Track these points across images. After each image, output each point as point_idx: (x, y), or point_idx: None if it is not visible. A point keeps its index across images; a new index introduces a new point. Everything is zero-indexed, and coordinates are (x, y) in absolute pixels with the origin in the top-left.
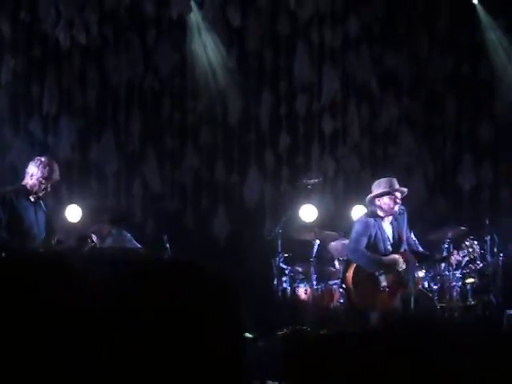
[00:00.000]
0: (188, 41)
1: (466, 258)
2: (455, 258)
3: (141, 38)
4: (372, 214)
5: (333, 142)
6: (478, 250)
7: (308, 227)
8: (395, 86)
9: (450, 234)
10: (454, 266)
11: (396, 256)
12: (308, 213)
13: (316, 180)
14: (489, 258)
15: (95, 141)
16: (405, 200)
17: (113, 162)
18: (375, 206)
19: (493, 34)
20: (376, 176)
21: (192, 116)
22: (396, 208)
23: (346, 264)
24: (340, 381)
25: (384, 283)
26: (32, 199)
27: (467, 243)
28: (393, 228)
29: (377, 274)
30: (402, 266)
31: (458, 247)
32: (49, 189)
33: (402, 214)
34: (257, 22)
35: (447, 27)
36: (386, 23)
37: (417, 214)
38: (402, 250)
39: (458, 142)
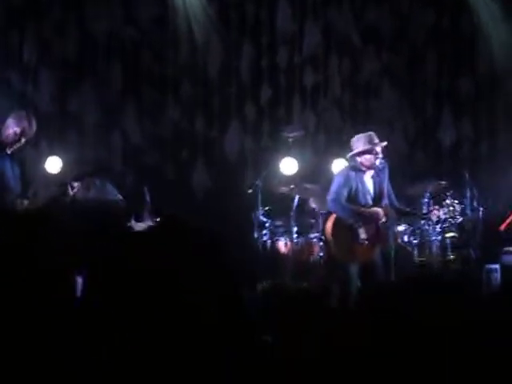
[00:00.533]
0: None
1: (446, 216)
2: (435, 214)
3: None
4: (353, 168)
5: (314, 96)
6: (459, 209)
7: (288, 180)
8: (377, 40)
9: (429, 189)
10: (434, 222)
11: (377, 209)
12: (288, 166)
13: (297, 133)
14: (469, 212)
15: (75, 92)
16: (386, 154)
17: (92, 113)
18: (356, 161)
19: None
20: (357, 130)
21: (172, 68)
22: (377, 162)
23: (326, 216)
24: (319, 335)
25: (363, 235)
26: (8, 152)
27: (448, 201)
28: (374, 182)
29: (356, 226)
30: (383, 218)
31: (439, 204)
32: (23, 142)
33: (384, 168)
34: None
35: None
36: None
37: (397, 168)
38: (382, 204)
39: (438, 97)
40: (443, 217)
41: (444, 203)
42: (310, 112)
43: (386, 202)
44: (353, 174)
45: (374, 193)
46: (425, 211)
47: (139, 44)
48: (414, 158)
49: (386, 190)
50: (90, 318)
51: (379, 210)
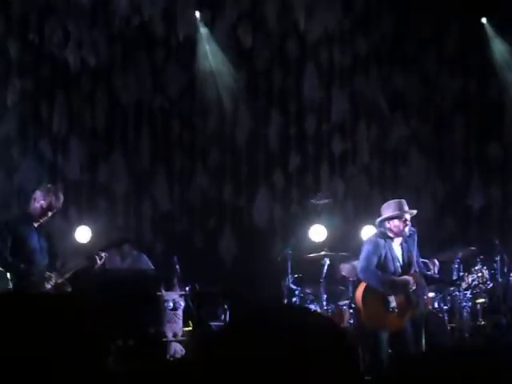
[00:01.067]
0: (197, 61)
1: (475, 282)
2: (465, 280)
3: (150, 59)
4: (382, 235)
5: (342, 163)
6: (487, 275)
7: (318, 248)
8: (404, 107)
9: (459, 255)
10: (464, 289)
11: (407, 277)
12: (317, 233)
13: (325, 200)
14: (499, 278)
15: (104, 161)
16: (414, 221)
17: (122, 182)
18: (385, 227)
19: (501, 54)
20: (385, 197)
21: (201, 136)
22: (406, 230)
23: (356, 283)
24: None
25: (393, 304)
26: (35, 225)
27: (477, 267)
28: (402, 249)
29: (386, 294)
30: (413, 286)
31: (468, 270)
32: (50, 215)
33: (413, 235)
34: (266, 42)
35: (456, 46)
36: (395, 43)
37: (426, 235)
38: (412, 271)
39: (467, 163)
40: (472, 283)
41: (473, 269)
42: (338, 179)
43: (415, 269)
44: (382, 241)
45: (403, 260)
46: (455, 277)
47: (168, 112)
48: (443, 224)
49: (415, 258)
50: None
51: (409, 277)
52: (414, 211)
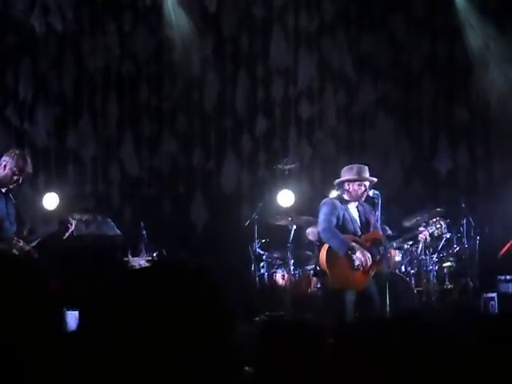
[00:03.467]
0: (164, 25)
1: (435, 233)
2: (423, 234)
3: (117, 23)
4: (338, 198)
5: (309, 127)
6: (445, 225)
7: (285, 212)
8: (372, 70)
9: (426, 218)
10: (422, 244)
11: (368, 234)
12: (285, 198)
13: (293, 165)
14: (465, 241)
15: (72, 127)
16: (381, 184)
17: (90, 147)
18: (343, 189)
19: (469, 17)
20: (353, 161)
21: (169, 101)
22: (364, 196)
23: (319, 247)
24: (313, 368)
25: (357, 261)
26: (3, 191)
27: (434, 220)
28: (359, 212)
29: (350, 252)
30: (375, 244)
31: (426, 224)
32: (20, 181)
33: (377, 198)
34: (232, 6)
35: (423, 8)
36: (362, 6)
37: (393, 197)
38: (371, 230)
39: (434, 126)
40: (429, 237)
41: (431, 221)
42: (305, 144)
43: (374, 229)
44: (338, 202)
45: (361, 222)
46: (414, 233)
47: (136, 78)
48: (410, 187)
49: (373, 220)
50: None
51: (371, 235)
52: (375, 179)
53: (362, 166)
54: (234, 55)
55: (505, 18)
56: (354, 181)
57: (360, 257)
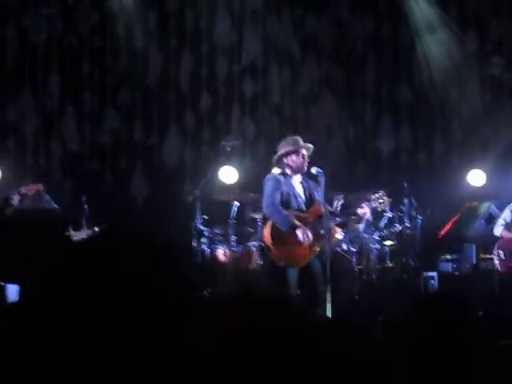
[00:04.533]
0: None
1: (378, 209)
2: (365, 209)
3: None
4: (281, 173)
5: (253, 105)
6: (388, 204)
7: (227, 189)
8: (316, 49)
9: (368, 197)
10: (364, 219)
11: (311, 210)
12: (228, 175)
13: (236, 142)
14: (407, 220)
15: (13, 101)
16: (323, 163)
17: (31, 122)
18: (284, 164)
19: None
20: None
21: (111, 76)
22: (305, 165)
23: (263, 223)
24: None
25: (301, 236)
26: None
27: (376, 195)
28: (304, 188)
29: (293, 228)
30: (318, 219)
31: (369, 199)
32: None
33: (320, 176)
34: None
35: None
36: None
37: (336, 176)
38: (315, 206)
39: (377, 105)
40: (370, 214)
41: (373, 197)
42: (249, 121)
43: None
44: (281, 177)
45: (305, 197)
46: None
47: (78, 51)
48: (354, 166)
49: (317, 196)
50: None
51: (314, 210)
52: (311, 145)
53: (295, 136)
54: (178, 31)
55: None
56: (291, 152)
57: (301, 234)
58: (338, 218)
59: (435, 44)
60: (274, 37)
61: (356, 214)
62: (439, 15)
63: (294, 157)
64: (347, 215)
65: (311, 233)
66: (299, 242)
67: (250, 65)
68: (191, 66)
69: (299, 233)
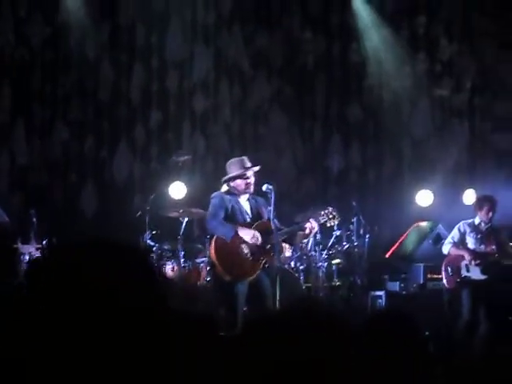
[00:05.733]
0: (60, 12)
1: (328, 224)
2: (311, 224)
3: (12, 8)
4: (227, 192)
5: (203, 121)
6: (337, 219)
7: (177, 205)
8: (267, 66)
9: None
10: (312, 235)
11: (258, 223)
12: (177, 190)
13: (186, 157)
14: (355, 239)
15: None
16: (273, 180)
17: None
18: (230, 186)
19: (365, 17)
20: (246, 155)
21: (62, 89)
22: (250, 189)
23: (210, 240)
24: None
25: (246, 250)
26: None
27: (326, 211)
28: (251, 205)
29: (238, 242)
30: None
31: (316, 215)
32: None
33: (270, 193)
34: None
35: (319, 7)
36: (259, 2)
37: (285, 193)
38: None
39: (327, 124)
40: (317, 230)
41: (322, 212)
42: (199, 137)
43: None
44: (227, 196)
45: (252, 214)
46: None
47: (30, 64)
48: (302, 184)
49: (265, 214)
50: None
51: (261, 224)
52: (256, 168)
53: (242, 158)
54: (130, 45)
55: (399, 19)
56: (236, 178)
57: (248, 236)
58: (284, 231)
59: (386, 64)
60: (225, 53)
61: (304, 229)
62: (391, 35)
63: (238, 181)
64: (295, 229)
65: (258, 246)
66: (244, 255)
67: (201, 80)
68: (142, 81)
69: (247, 234)
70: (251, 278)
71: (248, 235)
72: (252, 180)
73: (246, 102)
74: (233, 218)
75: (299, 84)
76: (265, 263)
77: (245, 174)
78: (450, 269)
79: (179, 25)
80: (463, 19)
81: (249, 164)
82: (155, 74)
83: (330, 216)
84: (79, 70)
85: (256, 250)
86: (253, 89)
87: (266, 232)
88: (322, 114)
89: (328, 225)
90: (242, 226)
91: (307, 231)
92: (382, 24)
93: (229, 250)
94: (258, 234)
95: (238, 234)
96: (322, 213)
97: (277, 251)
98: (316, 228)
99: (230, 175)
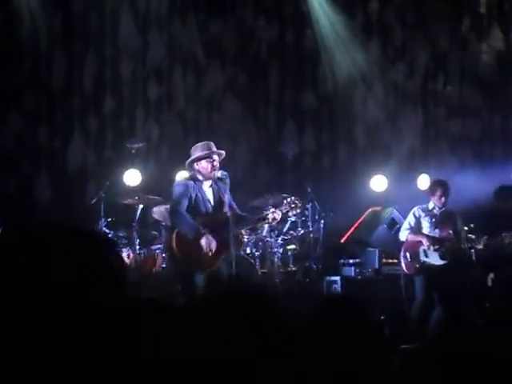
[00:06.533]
0: (11, 1)
1: (290, 213)
2: (273, 214)
3: None
4: (191, 178)
5: (157, 108)
6: (300, 204)
7: (131, 192)
8: (220, 54)
9: (271, 201)
10: (268, 226)
11: (218, 217)
12: (132, 177)
13: (140, 145)
14: (310, 224)
15: None
16: (228, 166)
17: None
18: (194, 170)
19: (318, 4)
20: (200, 142)
21: (15, 78)
22: (215, 172)
23: (170, 228)
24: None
25: (206, 245)
26: None
27: (289, 199)
28: (213, 191)
29: (198, 236)
30: (225, 227)
31: (278, 205)
32: None
33: (225, 179)
34: None
35: None
36: None
37: (240, 180)
38: (223, 211)
39: (281, 111)
40: (286, 212)
41: (285, 201)
42: (153, 124)
43: (226, 210)
44: (191, 183)
45: (214, 202)
46: (265, 214)
47: None
48: (257, 170)
49: (226, 200)
50: None
51: (222, 217)
52: (222, 152)
53: (207, 142)
54: (83, 33)
55: (352, 5)
56: (201, 158)
57: (204, 243)
58: (247, 223)
59: (340, 50)
60: (178, 41)
61: (266, 219)
62: (344, 21)
63: (204, 162)
64: (258, 220)
65: (216, 241)
66: (204, 250)
67: (155, 68)
68: (96, 69)
69: (202, 242)
70: (209, 269)
71: (204, 243)
72: (217, 164)
73: (199, 89)
74: (196, 208)
75: (253, 71)
76: (223, 256)
77: (211, 156)
78: (408, 255)
79: (132, 12)
80: (416, 5)
81: (215, 148)
82: (109, 62)
83: (293, 205)
84: (31, 58)
85: (215, 243)
86: (207, 76)
87: (226, 225)
88: (276, 100)
89: (290, 214)
90: (205, 222)
91: (270, 220)
92: (335, 10)
93: (190, 243)
94: (213, 245)
95: (199, 230)
96: (285, 202)
97: (235, 242)
98: (279, 218)
99: (196, 156)
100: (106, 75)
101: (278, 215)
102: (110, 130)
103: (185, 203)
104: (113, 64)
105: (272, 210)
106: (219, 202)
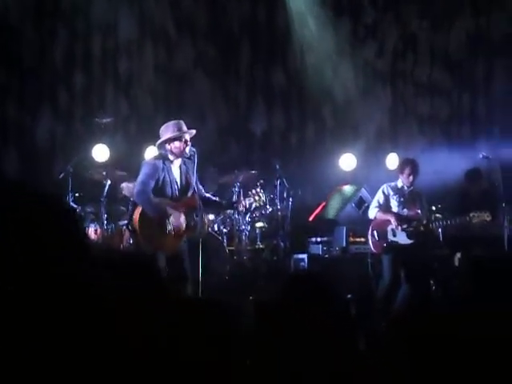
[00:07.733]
0: None
1: (254, 205)
2: (242, 204)
3: None
4: (161, 157)
5: (127, 83)
6: (264, 198)
7: (100, 167)
8: (191, 29)
9: (240, 178)
10: (242, 212)
11: (184, 199)
12: (100, 152)
13: (108, 119)
14: (278, 202)
15: None
16: (196, 143)
17: None
18: (166, 150)
19: None
20: (169, 118)
21: None
22: (187, 150)
23: (134, 205)
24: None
25: (170, 226)
26: None
27: (254, 191)
28: (181, 172)
29: (163, 217)
30: (190, 209)
31: (246, 194)
32: None
33: (193, 156)
34: None
35: None
36: None
37: (209, 157)
38: (189, 194)
39: (251, 87)
40: (250, 206)
41: (250, 193)
42: (122, 99)
43: (192, 191)
44: (160, 163)
45: (181, 183)
46: (234, 200)
47: None
48: (226, 147)
49: (193, 180)
50: None
51: (188, 201)
52: (193, 131)
53: (179, 121)
54: (53, 8)
55: None
56: (174, 139)
57: (173, 221)
58: (212, 208)
59: (310, 28)
60: (149, 15)
61: (235, 207)
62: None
63: (177, 143)
64: (225, 207)
65: (181, 222)
66: (167, 232)
67: (125, 43)
68: (66, 44)
69: (173, 219)
70: (170, 252)
71: (174, 220)
72: (189, 143)
73: (170, 65)
74: (162, 190)
75: (224, 48)
76: (185, 238)
77: (183, 137)
78: (376, 234)
79: None
80: None
81: (185, 127)
82: (79, 37)
83: (256, 197)
84: (2, 33)
85: (179, 225)
86: (177, 52)
87: (191, 208)
88: (246, 77)
89: (253, 206)
90: (171, 205)
91: (240, 209)
92: None
93: (152, 222)
94: (182, 224)
95: (166, 211)
96: (250, 193)
97: (201, 221)
98: (243, 209)
99: (168, 136)
100: (76, 50)
101: (244, 206)
102: (78, 105)
103: (151, 184)
104: (83, 39)
105: (242, 200)
106: (186, 184)
